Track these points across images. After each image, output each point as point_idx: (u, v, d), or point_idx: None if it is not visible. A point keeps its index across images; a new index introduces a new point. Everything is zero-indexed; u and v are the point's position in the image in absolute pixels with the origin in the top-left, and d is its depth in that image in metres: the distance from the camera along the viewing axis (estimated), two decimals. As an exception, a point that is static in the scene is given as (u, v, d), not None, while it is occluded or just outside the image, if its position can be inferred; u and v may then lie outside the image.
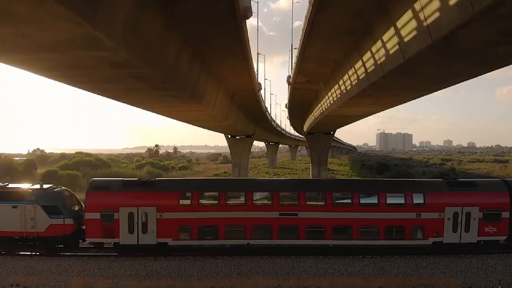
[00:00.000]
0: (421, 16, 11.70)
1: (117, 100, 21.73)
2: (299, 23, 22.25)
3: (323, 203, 20.17)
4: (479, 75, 15.77)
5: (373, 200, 20.31)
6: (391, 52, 14.79)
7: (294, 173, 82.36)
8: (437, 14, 10.89)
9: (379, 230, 19.91)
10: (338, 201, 20.37)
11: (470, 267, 19.09)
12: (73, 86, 17.59)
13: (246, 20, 16.19)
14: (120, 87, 17.49)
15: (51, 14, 8.09)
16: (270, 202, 20.09)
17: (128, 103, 22.97)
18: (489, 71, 15.14)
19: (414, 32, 12.49)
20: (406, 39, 13.26)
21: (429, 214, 20.04)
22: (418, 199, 20.20)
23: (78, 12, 8.12)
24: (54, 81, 16.10)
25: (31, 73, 14.52)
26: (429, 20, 11.33)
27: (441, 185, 21.26)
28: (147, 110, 26.41)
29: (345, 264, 19.07)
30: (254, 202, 20.09)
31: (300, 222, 19.83)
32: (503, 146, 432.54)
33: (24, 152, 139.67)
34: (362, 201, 20.26)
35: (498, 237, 20.41)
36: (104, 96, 20.15)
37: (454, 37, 10.84)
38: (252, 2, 16.41)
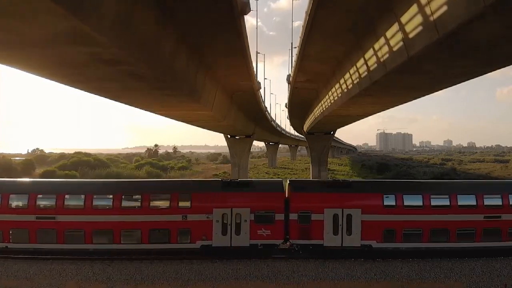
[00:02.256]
0: (427, 10, 11.20)
1: (114, 100, 21.31)
2: (299, 23, 21.80)
3: (82, 206, 19.36)
4: (486, 73, 15.26)
5: (137, 202, 19.55)
6: (394, 49, 14.31)
7: (294, 173, 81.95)
8: (444, 8, 10.38)
9: (142, 233, 19.18)
10: (98, 204, 19.53)
11: (474, 270, 18.62)
12: (70, 86, 17.21)
13: (246, 19, 15.85)
14: (116, 86, 17.05)
15: (33, 6, 7.60)
16: (26, 204, 19.35)
17: (125, 103, 22.51)
18: (497, 69, 14.63)
19: (420, 28, 12.00)
20: (411, 35, 12.77)
21: (195, 216, 19.18)
22: (184, 200, 19.41)
23: (61, 4, 7.60)
24: (51, 81, 15.70)
25: (25, 72, 14.05)
26: (436, 15, 10.83)
27: (211, 186, 20.61)
28: (145, 109, 25.97)
29: (346, 268, 18.60)
30: (9, 204, 19.42)
31: (58, 225, 19.13)
32: (503, 146, 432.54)
33: (24, 152, 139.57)
34: (125, 203, 19.49)
35: (273, 241, 19.50)
36: (101, 95, 19.77)
37: (462, 32, 10.33)
38: (251, 0, 16.00)
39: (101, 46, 10.45)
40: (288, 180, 21.57)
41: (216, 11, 13.99)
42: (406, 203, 19.52)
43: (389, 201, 19.53)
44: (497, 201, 19.84)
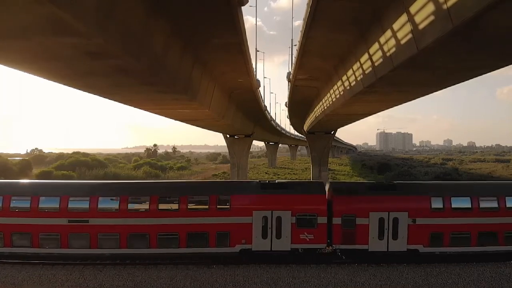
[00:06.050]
0: (440, -3, 10.28)
1: (105, 97, 20.38)
2: (300, 22, 20.95)
3: None
4: (502, 67, 14.26)
5: None
6: (402, 42, 13.39)
7: (294, 173, 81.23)
8: (461, -7, 9.45)
9: None
10: None
11: (483, 276, 18.01)
12: (56, 82, 16.27)
13: (245, 18, 14.98)
14: (105, 82, 16.15)
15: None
16: None
17: (116, 100, 21.56)
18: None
19: (431, 17, 11.06)
20: (420, 26, 11.84)
21: None
22: None
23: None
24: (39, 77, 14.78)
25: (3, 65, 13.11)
26: (450, 2, 9.89)
27: None
28: (139, 108, 25.06)
29: (350, 274, 17.89)
30: None
31: None
32: (503, 145, 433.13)
33: (23, 152, 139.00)
34: None
35: None
36: (90, 92, 18.93)
37: (480, 21, 9.38)
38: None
39: (84, 36, 9.53)
40: None
41: (212, 1, 13.12)
42: (41, 205, 18.85)
43: (22, 203, 18.91)
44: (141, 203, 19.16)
